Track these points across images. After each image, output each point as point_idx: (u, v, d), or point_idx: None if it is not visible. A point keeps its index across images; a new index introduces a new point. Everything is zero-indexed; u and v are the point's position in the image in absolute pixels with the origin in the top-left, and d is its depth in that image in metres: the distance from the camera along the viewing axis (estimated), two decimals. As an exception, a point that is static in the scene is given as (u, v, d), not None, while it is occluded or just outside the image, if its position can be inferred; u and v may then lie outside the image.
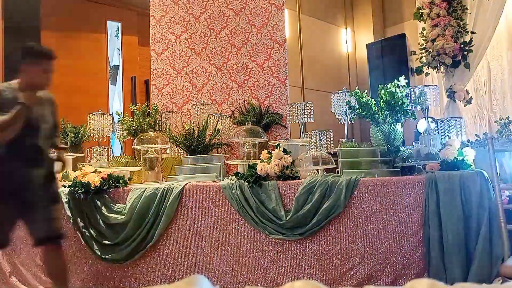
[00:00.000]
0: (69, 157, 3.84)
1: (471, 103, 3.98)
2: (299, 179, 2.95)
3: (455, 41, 3.77)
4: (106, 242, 3.16)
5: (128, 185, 3.36)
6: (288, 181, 2.89)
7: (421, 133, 3.12)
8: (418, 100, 3.05)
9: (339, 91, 3.40)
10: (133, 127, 4.02)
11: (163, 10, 4.66)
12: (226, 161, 3.64)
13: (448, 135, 3.10)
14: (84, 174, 3.37)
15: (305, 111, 3.64)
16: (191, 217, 3.00)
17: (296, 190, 2.76)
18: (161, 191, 3.08)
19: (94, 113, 4.04)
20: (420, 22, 4.07)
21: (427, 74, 4.15)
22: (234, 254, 2.91)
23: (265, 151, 3.08)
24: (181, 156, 3.81)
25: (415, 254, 2.54)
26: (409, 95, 3.02)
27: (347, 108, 3.17)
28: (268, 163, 2.95)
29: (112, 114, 5.07)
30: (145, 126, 3.98)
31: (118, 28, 6.65)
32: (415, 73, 4.48)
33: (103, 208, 3.22)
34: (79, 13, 6.11)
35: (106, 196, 3.27)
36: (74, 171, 3.64)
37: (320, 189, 2.71)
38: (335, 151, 3.14)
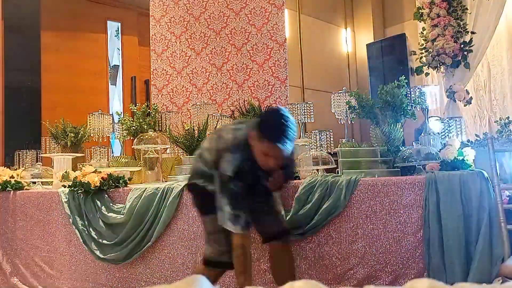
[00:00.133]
0: (69, 157, 3.84)
1: (471, 103, 3.97)
2: (299, 179, 2.95)
3: (455, 41, 3.77)
4: (105, 242, 3.16)
5: (128, 185, 3.36)
6: (288, 181, 2.88)
7: (430, 134, 3.10)
8: (418, 100, 3.05)
9: (339, 91, 3.40)
10: (133, 127, 4.01)
11: (163, 10, 4.66)
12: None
13: (448, 135, 3.10)
14: (84, 174, 3.37)
15: (305, 111, 3.64)
16: (191, 217, 2.99)
17: (296, 190, 2.76)
18: (161, 191, 3.08)
19: (94, 113, 4.04)
20: (420, 22, 4.06)
21: (427, 74, 4.14)
22: (234, 254, 2.91)
23: (265, 151, 3.07)
24: (181, 156, 3.80)
25: (415, 254, 2.54)
26: (409, 95, 3.02)
27: (347, 108, 3.17)
28: (268, 163, 2.94)
29: (112, 114, 5.08)
30: (145, 126, 3.98)
31: (118, 28, 6.65)
32: (415, 73, 4.47)
33: (102, 208, 3.22)
34: (79, 13, 6.11)
35: (106, 196, 3.27)
36: (74, 171, 3.64)
37: (320, 189, 2.70)
38: (335, 151, 3.13)
